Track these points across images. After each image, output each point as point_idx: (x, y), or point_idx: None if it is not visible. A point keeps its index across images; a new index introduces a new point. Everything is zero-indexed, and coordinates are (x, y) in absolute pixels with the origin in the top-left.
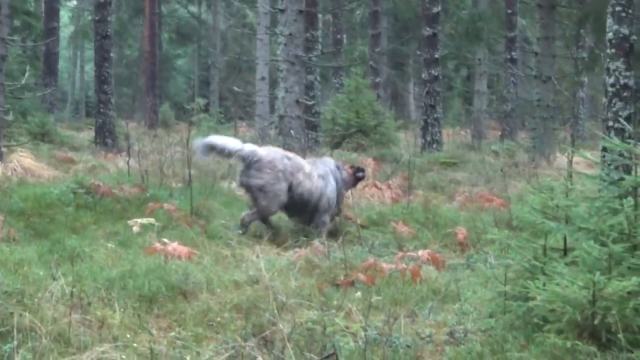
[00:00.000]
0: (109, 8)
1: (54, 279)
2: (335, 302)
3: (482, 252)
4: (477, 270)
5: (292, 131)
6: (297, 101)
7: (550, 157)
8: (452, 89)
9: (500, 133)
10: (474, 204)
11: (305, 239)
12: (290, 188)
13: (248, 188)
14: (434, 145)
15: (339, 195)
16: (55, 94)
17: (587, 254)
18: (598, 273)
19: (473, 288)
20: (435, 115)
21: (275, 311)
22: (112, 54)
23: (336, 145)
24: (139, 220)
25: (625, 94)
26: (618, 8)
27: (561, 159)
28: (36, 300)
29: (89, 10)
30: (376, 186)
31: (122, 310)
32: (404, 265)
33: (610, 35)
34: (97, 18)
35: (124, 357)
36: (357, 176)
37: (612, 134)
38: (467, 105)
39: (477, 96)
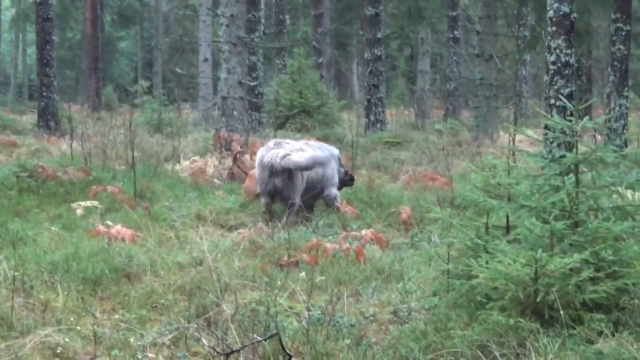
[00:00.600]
0: None
1: None
2: (279, 283)
3: (426, 231)
4: (421, 249)
5: (235, 112)
6: (240, 82)
7: (494, 135)
8: (396, 69)
9: (443, 112)
10: (418, 183)
11: (249, 219)
12: None
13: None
14: (378, 125)
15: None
16: None
17: (529, 231)
18: (540, 250)
19: (417, 267)
20: (379, 95)
21: (219, 292)
22: (54, 37)
23: (280, 125)
24: (83, 203)
25: (566, 71)
26: None
27: (504, 138)
28: None
29: None
30: None
31: (66, 293)
32: (347, 245)
33: (551, 13)
34: (38, 1)
35: (67, 340)
36: (346, 182)
37: (554, 111)
38: (411, 85)
39: (420, 75)
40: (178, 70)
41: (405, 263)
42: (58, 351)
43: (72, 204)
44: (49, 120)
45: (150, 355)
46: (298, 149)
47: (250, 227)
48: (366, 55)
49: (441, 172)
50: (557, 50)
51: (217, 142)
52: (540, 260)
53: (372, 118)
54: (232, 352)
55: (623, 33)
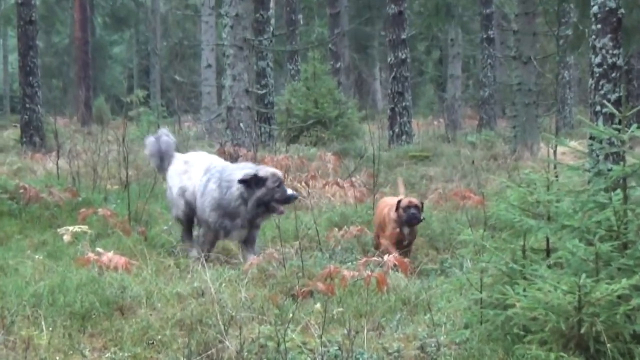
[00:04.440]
0: None
1: None
2: (290, 315)
3: (457, 256)
4: (451, 276)
5: (241, 124)
6: (247, 90)
7: (534, 147)
8: (423, 74)
9: (477, 122)
10: (449, 202)
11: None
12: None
13: None
14: (403, 137)
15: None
16: None
17: (571, 254)
18: (584, 275)
19: (446, 296)
20: (404, 104)
21: (223, 327)
22: (38, 42)
23: (293, 139)
24: (70, 228)
25: (613, 74)
26: None
27: (546, 150)
28: None
29: None
30: (338, 184)
31: (51, 329)
32: (368, 272)
33: (595, 9)
34: (20, 1)
35: None
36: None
37: (600, 119)
38: (440, 92)
39: (450, 81)
40: (178, 77)
41: (433, 292)
42: None
43: (58, 229)
44: (32, 136)
45: None
46: None
47: (259, 253)
48: (389, 58)
49: (474, 190)
50: (603, 51)
51: (222, 158)
52: (584, 287)
53: (396, 129)
54: None
55: None
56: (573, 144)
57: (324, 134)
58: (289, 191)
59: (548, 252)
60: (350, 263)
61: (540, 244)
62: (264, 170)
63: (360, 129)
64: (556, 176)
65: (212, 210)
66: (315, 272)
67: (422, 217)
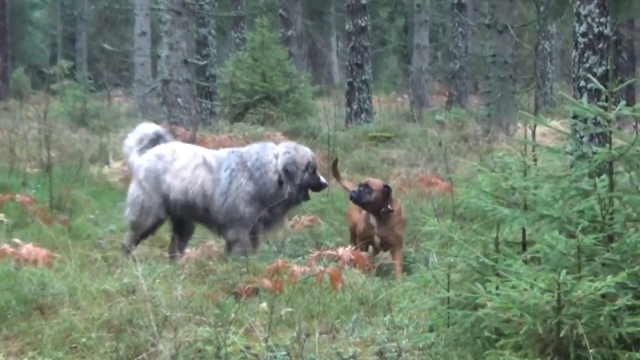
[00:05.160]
0: None
1: None
2: (232, 316)
3: (422, 250)
4: (415, 273)
5: (179, 100)
6: (186, 61)
7: (510, 127)
8: (385, 44)
9: (446, 99)
10: (413, 188)
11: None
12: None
13: None
14: (362, 116)
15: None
16: None
17: (550, 247)
18: (564, 272)
19: (409, 295)
20: (364, 77)
21: (155, 328)
22: None
23: (237, 117)
24: None
25: (600, 45)
26: None
27: (524, 131)
28: None
29: None
30: None
31: None
32: (321, 267)
33: None
34: None
35: None
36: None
37: (585, 96)
38: (405, 64)
39: (416, 52)
40: (107, 46)
41: (394, 290)
42: None
43: None
44: None
45: None
46: None
47: (198, 246)
48: (347, 26)
49: (442, 175)
50: (589, 19)
51: None
52: (564, 285)
53: (355, 107)
54: None
55: None
56: (554, 123)
57: (272, 111)
58: (322, 178)
59: (524, 245)
60: (300, 257)
61: (515, 236)
62: (304, 152)
63: (313, 106)
64: (534, 160)
65: (248, 205)
66: (261, 267)
67: (367, 199)
